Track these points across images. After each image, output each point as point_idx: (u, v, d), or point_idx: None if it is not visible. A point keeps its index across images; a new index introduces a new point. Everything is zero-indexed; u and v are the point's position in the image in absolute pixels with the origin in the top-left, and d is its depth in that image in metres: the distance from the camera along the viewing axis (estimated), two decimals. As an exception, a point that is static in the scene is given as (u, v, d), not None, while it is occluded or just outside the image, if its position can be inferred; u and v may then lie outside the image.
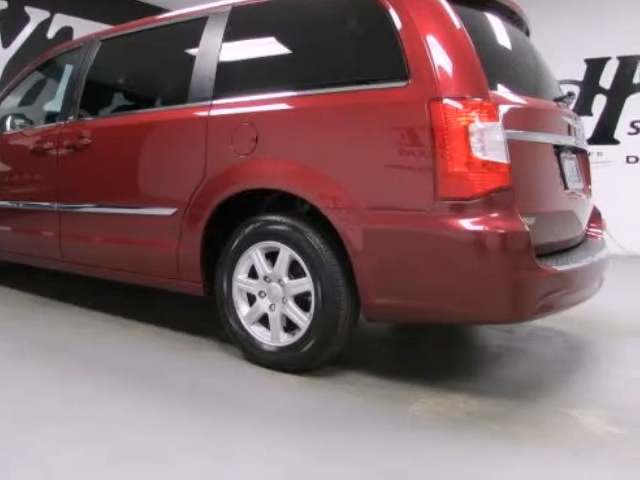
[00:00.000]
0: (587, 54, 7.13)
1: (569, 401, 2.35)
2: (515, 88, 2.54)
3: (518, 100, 2.50)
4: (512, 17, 2.91)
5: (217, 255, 2.78)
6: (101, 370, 2.60)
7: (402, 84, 2.29)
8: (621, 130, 7.09)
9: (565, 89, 3.17)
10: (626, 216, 6.17)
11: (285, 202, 2.72)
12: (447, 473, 1.79)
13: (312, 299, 2.48)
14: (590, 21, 6.94)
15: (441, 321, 2.63)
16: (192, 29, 3.03)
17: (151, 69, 3.54)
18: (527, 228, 2.21)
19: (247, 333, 2.68)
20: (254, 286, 2.66)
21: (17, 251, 4.03)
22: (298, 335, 2.53)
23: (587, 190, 3.09)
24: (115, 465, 1.78)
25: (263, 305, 2.64)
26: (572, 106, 3.33)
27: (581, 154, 3.06)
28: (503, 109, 2.29)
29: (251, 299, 2.70)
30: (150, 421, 2.10)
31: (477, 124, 2.17)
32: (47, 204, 3.61)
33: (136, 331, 3.21)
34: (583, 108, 7.08)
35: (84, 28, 7.01)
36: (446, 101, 2.19)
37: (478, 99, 2.21)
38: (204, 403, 2.27)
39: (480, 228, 2.15)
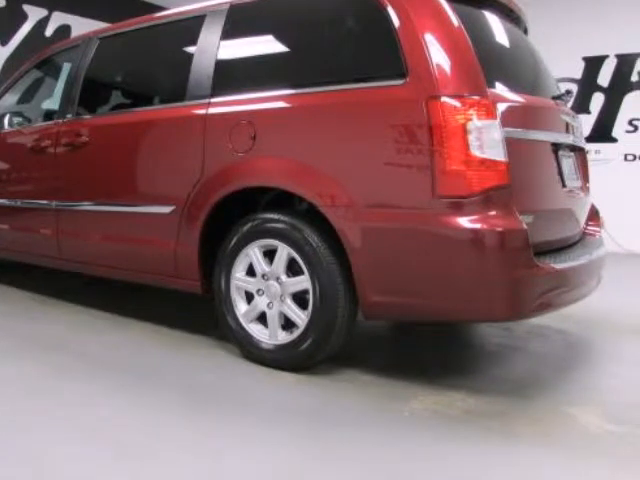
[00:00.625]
0: (585, 52, 7.14)
1: (567, 399, 2.35)
2: (513, 86, 2.54)
3: (516, 98, 2.50)
4: (510, 15, 2.91)
5: (215, 253, 2.78)
6: (99, 368, 2.60)
7: (400, 82, 2.29)
8: (619, 128, 7.10)
9: (563, 87, 3.17)
10: (624, 214, 6.18)
11: (283, 200, 2.72)
12: (445, 471, 1.79)
13: (310, 297, 2.47)
14: (588, 19, 6.94)
15: (439, 319, 2.63)
16: (190, 27, 3.03)
17: (149, 67, 3.53)
18: (525, 226, 2.21)
19: (245, 331, 2.68)
20: (252, 284, 2.66)
21: (15, 249, 4.02)
22: (296, 333, 2.53)
23: (585, 188, 3.09)
24: (113, 463, 1.78)
25: (261, 303, 2.64)
26: (570, 104, 3.34)
27: (579, 152, 3.06)
28: (501, 107, 2.29)
29: (249, 297, 2.70)
30: (148, 419, 2.10)
31: (475, 122, 2.17)
32: (45, 202, 3.61)
33: (134, 329, 3.21)
34: (581, 106, 7.08)
35: (82, 26, 7.00)
36: (444, 99, 2.19)
37: (476, 97, 2.21)
38: (202, 401, 2.27)
39: (478, 226, 2.15)
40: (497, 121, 2.22)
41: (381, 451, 1.90)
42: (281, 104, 2.62)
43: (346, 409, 2.22)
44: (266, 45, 2.83)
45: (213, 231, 2.79)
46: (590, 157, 3.53)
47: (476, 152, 2.16)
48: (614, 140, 7.11)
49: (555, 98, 2.89)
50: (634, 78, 6.98)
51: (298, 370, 2.56)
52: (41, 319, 3.41)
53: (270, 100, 2.64)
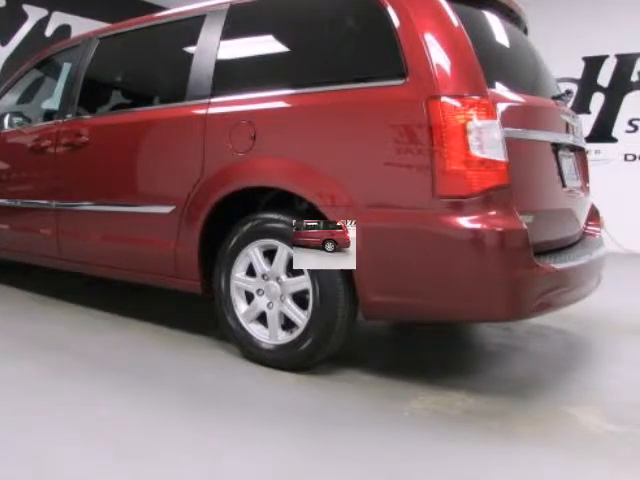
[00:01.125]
0: (585, 52, 7.13)
1: (567, 399, 2.35)
2: (513, 86, 2.54)
3: (516, 98, 2.50)
4: (510, 15, 2.91)
5: (215, 253, 2.78)
6: (99, 368, 2.59)
7: (400, 82, 2.29)
8: (619, 128, 7.10)
9: (563, 87, 3.17)
10: (624, 214, 6.17)
11: (283, 200, 2.72)
12: (445, 471, 1.79)
13: (310, 297, 2.47)
14: (588, 19, 6.94)
15: (439, 319, 2.63)
16: (190, 27, 3.03)
17: (149, 67, 3.54)
18: (525, 226, 2.21)
19: (245, 331, 2.67)
20: (252, 284, 2.66)
21: (15, 249, 4.02)
22: (296, 333, 2.52)
23: (585, 188, 3.09)
24: (113, 463, 1.78)
25: (261, 303, 2.64)
26: (570, 104, 3.34)
27: (579, 152, 3.06)
28: (501, 107, 2.29)
29: (249, 297, 2.69)
30: (148, 419, 2.10)
31: (475, 122, 2.17)
32: (45, 202, 3.60)
33: (134, 329, 3.20)
34: (581, 106, 7.08)
35: (82, 26, 6.99)
36: (444, 99, 2.19)
37: (476, 97, 2.21)
38: (202, 401, 2.27)
39: (478, 226, 2.15)
40: (497, 121, 2.22)
41: (381, 451, 1.90)
42: (281, 104, 2.62)
43: (346, 409, 2.22)
44: (266, 45, 2.83)
45: (213, 231, 2.79)
46: (590, 157, 3.52)
47: (476, 152, 2.16)
48: (614, 140, 7.11)
49: (555, 98, 2.89)
50: (634, 78, 6.98)
51: (298, 370, 2.56)
52: (41, 319, 3.41)
53: (270, 100, 2.63)
